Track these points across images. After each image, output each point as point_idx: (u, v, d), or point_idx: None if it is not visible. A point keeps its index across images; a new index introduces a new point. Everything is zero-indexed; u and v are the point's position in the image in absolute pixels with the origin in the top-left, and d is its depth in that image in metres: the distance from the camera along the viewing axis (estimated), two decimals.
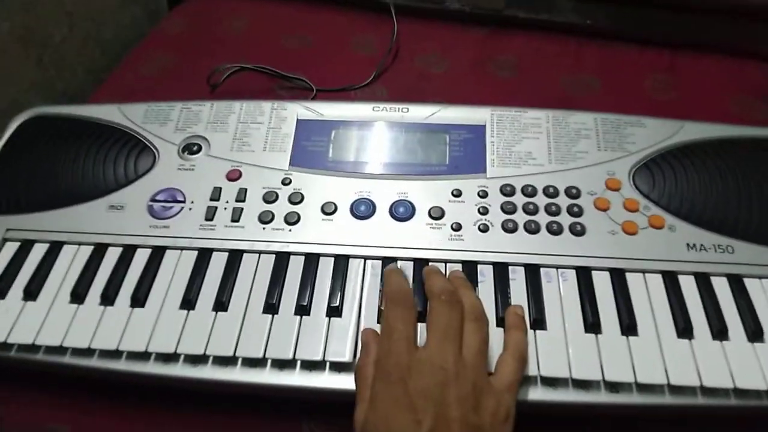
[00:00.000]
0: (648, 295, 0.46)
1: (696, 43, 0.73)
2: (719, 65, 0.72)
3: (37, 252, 0.50)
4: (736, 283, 0.46)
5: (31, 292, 0.47)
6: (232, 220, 0.51)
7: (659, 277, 0.46)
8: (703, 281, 0.46)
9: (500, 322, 0.44)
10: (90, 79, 0.78)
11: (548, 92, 0.69)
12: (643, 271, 0.47)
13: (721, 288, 0.46)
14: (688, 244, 0.48)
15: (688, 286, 0.46)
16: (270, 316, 0.45)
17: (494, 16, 0.76)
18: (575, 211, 0.49)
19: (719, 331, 0.43)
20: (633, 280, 0.46)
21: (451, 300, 0.41)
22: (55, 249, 0.50)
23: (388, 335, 0.40)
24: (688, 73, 0.72)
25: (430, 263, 0.48)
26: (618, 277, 0.46)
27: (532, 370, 0.42)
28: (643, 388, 0.42)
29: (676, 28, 0.74)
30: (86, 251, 0.50)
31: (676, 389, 0.41)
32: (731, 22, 0.72)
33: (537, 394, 0.42)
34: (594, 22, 0.74)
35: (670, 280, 0.46)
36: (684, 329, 0.43)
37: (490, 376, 0.40)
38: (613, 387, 0.42)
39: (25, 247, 0.50)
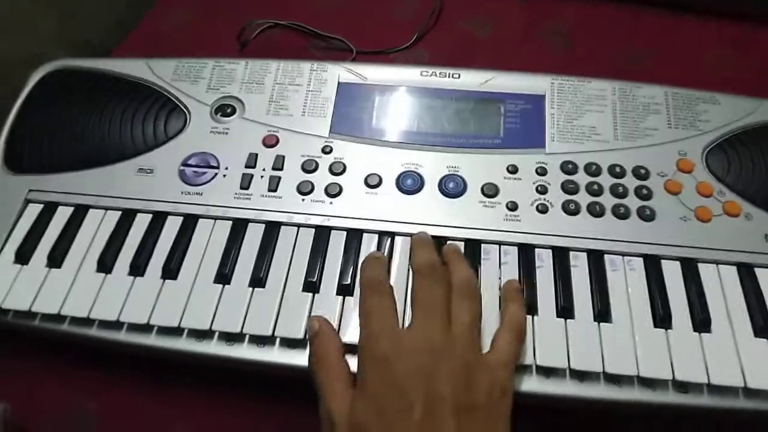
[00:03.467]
0: (722, 289, 0.42)
1: (763, 14, 0.68)
2: None
3: (62, 215, 0.47)
4: None
5: (55, 259, 0.44)
6: (269, 190, 0.47)
7: (734, 269, 0.43)
8: None
9: (561, 312, 0.41)
10: (112, 31, 0.73)
11: (602, 63, 0.64)
12: (717, 262, 0.43)
13: None
14: (766, 235, 0.44)
15: (766, 280, 0.42)
16: (310, 294, 0.42)
17: None
18: (644, 194, 0.45)
19: None
20: (705, 272, 0.43)
21: (434, 274, 0.39)
22: (80, 213, 0.47)
23: (367, 319, 0.38)
24: (754, 47, 0.66)
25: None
26: (690, 268, 0.43)
27: (595, 366, 0.38)
28: (716, 389, 0.38)
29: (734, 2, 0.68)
30: (114, 216, 0.47)
31: (752, 393, 0.38)
32: None
33: (599, 391, 0.39)
34: None
35: (747, 273, 0.42)
36: (762, 327, 0.40)
37: (486, 353, 0.38)
38: (683, 387, 0.39)
39: (49, 209, 0.47)
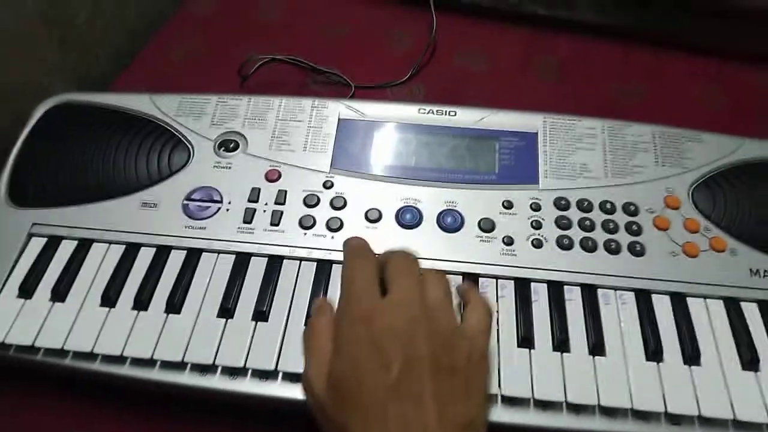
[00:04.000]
0: (710, 323, 0.43)
1: (744, 53, 0.71)
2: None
3: (65, 249, 0.47)
4: None
5: (59, 293, 0.45)
6: (272, 224, 0.48)
7: (721, 303, 0.44)
8: None
9: (558, 346, 0.42)
10: (114, 62, 0.75)
11: (593, 98, 0.66)
12: (705, 296, 0.45)
13: None
14: (751, 270, 0.45)
15: (752, 314, 0.44)
16: None
17: (535, 15, 0.73)
18: (634, 230, 0.47)
19: None
20: (694, 306, 0.44)
21: (402, 251, 0.39)
22: (84, 247, 0.47)
23: (350, 283, 0.37)
24: (737, 84, 0.69)
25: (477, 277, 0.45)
26: (679, 303, 0.44)
27: (590, 399, 0.40)
28: (706, 422, 0.40)
29: (723, 37, 0.71)
30: (117, 250, 0.47)
31: (741, 425, 0.39)
32: None
33: (595, 424, 0.40)
34: (637, 22, 0.71)
35: (733, 307, 0.44)
36: (749, 360, 0.41)
37: (461, 324, 0.37)
38: (675, 419, 0.40)
39: (52, 243, 0.48)
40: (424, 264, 0.46)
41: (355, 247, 0.40)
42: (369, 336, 0.34)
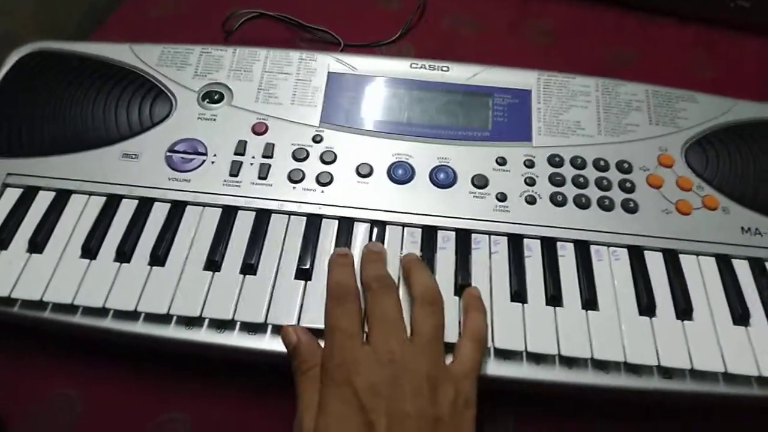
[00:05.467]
0: (702, 279, 0.43)
1: (732, 21, 0.70)
2: (761, 46, 0.69)
3: (42, 200, 0.45)
4: None
5: (36, 244, 0.43)
6: (260, 178, 0.47)
7: (713, 260, 0.44)
8: (758, 267, 0.44)
9: (551, 300, 0.42)
10: (91, 17, 0.72)
11: (586, 63, 0.66)
12: (697, 254, 0.45)
13: None
14: (742, 228, 0.46)
15: (743, 271, 0.44)
16: (302, 282, 0.42)
17: None
18: (627, 187, 0.47)
19: None
20: (686, 262, 0.44)
21: (383, 286, 0.39)
22: (62, 198, 0.45)
23: (331, 335, 0.37)
24: (727, 51, 0.69)
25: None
26: (671, 259, 0.44)
27: (584, 353, 0.39)
28: (698, 375, 0.40)
29: (713, 4, 0.70)
30: (98, 202, 0.45)
31: (730, 378, 0.40)
32: None
33: (588, 377, 0.40)
34: None
35: (725, 264, 0.44)
36: (740, 316, 0.41)
37: (449, 362, 0.38)
38: (667, 372, 0.40)
39: (29, 194, 0.46)
40: (421, 220, 0.45)
41: (335, 288, 0.40)
42: (352, 396, 0.34)
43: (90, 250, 0.43)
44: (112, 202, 0.45)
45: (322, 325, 0.40)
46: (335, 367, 0.36)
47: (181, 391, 0.43)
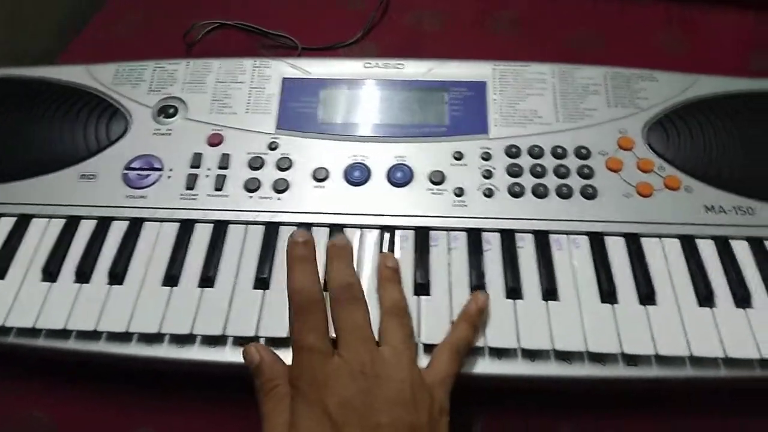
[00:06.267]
0: (666, 262, 0.43)
1: None
2: (735, 18, 0.68)
3: (3, 226, 0.46)
4: (758, 246, 0.43)
5: None
6: (216, 189, 0.47)
7: (677, 241, 0.44)
8: (723, 245, 0.43)
9: (510, 293, 0.41)
10: (56, 38, 0.72)
11: (552, 49, 0.65)
12: (660, 236, 0.44)
13: (742, 252, 0.43)
14: (706, 206, 0.45)
15: (708, 250, 0.43)
16: (261, 292, 0.42)
17: None
18: (586, 173, 0.46)
19: (743, 298, 0.40)
20: (649, 246, 0.43)
21: (349, 297, 0.39)
22: (23, 223, 0.46)
23: (298, 353, 0.36)
24: (701, 26, 0.67)
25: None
26: (633, 243, 0.43)
27: (545, 345, 0.39)
28: (663, 360, 0.39)
29: None
30: (57, 224, 0.46)
31: (697, 361, 0.39)
32: None
33: (551, 369, 0.39)
34: None
35: (689, 245, 0.43)
36: (705, 297, 0.41)
37: (424, 369, 0.37)
38: (632, 360, 0.39)
39: None
40: (378, 221, 0.45)
41: (300, 297, 0.38)
42: (323, 414, 0.33)
43: (51, 272, 0.43)
44: (72, 224, 0.46)
45: (282, 334, 0.40)
46: (306, 386, 0.35)
47: (148, 408, 0.43)
